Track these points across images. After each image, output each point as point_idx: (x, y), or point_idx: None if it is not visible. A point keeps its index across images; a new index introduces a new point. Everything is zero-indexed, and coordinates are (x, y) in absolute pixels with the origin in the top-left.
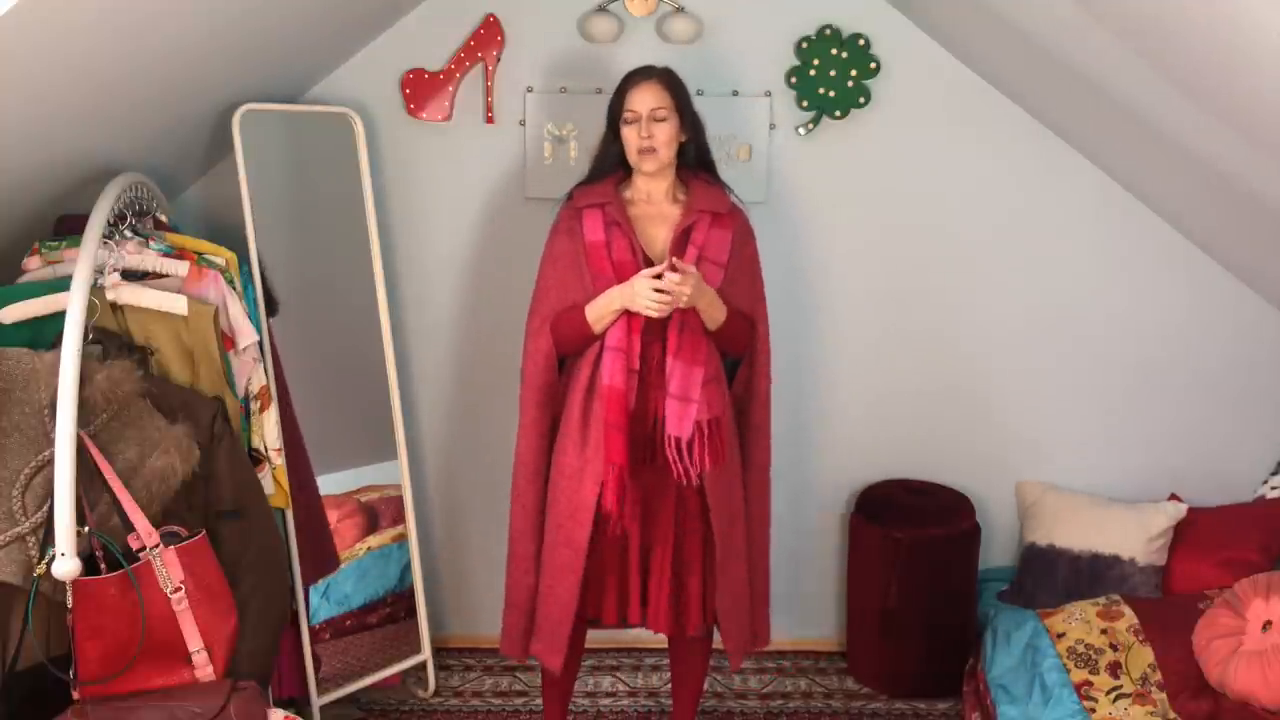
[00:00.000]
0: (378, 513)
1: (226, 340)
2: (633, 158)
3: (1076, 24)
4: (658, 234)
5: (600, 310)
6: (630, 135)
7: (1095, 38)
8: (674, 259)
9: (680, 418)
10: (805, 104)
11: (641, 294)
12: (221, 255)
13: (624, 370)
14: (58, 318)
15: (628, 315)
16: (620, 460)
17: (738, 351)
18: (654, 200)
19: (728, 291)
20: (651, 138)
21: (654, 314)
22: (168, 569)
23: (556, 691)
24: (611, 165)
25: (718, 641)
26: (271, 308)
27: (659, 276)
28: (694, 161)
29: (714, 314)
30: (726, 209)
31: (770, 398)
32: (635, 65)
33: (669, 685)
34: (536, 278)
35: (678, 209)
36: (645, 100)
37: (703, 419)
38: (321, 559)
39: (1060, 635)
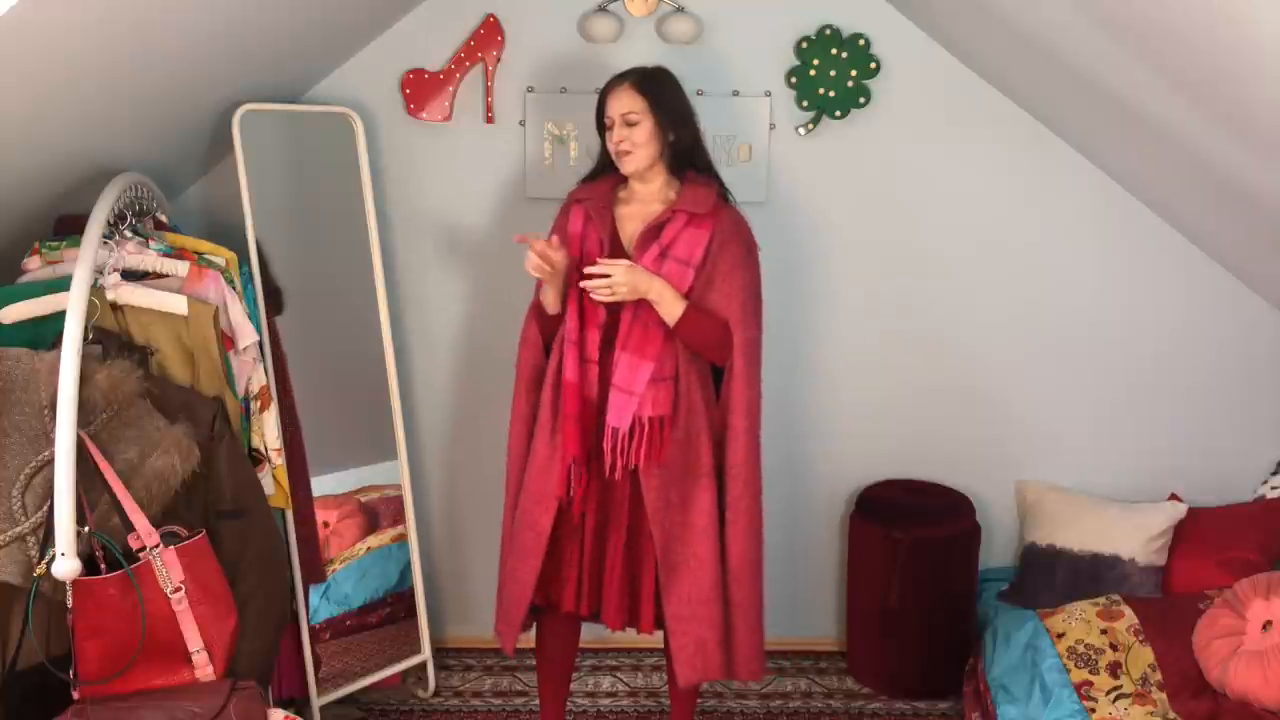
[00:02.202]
0: (378, 513)
1: (226, 340)
2: (616, 161)
3: (1077, 25)
4: (637, 231)
5: (543, 288)
6: (608, 141)
7: (1096, 39)
8: (598, 259)
9: (621, 409)
10: (805, 104)
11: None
12: (221, 255)
13: (576, 361)
14: (58, 318)
15: (578, 308)
16: (572, 450)
17: (713, 356)
18: (643, 200)
19: (705, 293)
20: (624, 141)
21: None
22: (168, 569)
23: (550, 692)
24: (605, 166)
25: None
26: (278, 304)
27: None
28: (672, 159)
29: (666, 308)
30: (708, 209)
31: (756, 408)
32: (634, 65)
33: (668, 685)
34: None
35: (664, 208)
36: (617, 105)
37: (644, 415)
38: (308, 569)
39: (1060, 635)
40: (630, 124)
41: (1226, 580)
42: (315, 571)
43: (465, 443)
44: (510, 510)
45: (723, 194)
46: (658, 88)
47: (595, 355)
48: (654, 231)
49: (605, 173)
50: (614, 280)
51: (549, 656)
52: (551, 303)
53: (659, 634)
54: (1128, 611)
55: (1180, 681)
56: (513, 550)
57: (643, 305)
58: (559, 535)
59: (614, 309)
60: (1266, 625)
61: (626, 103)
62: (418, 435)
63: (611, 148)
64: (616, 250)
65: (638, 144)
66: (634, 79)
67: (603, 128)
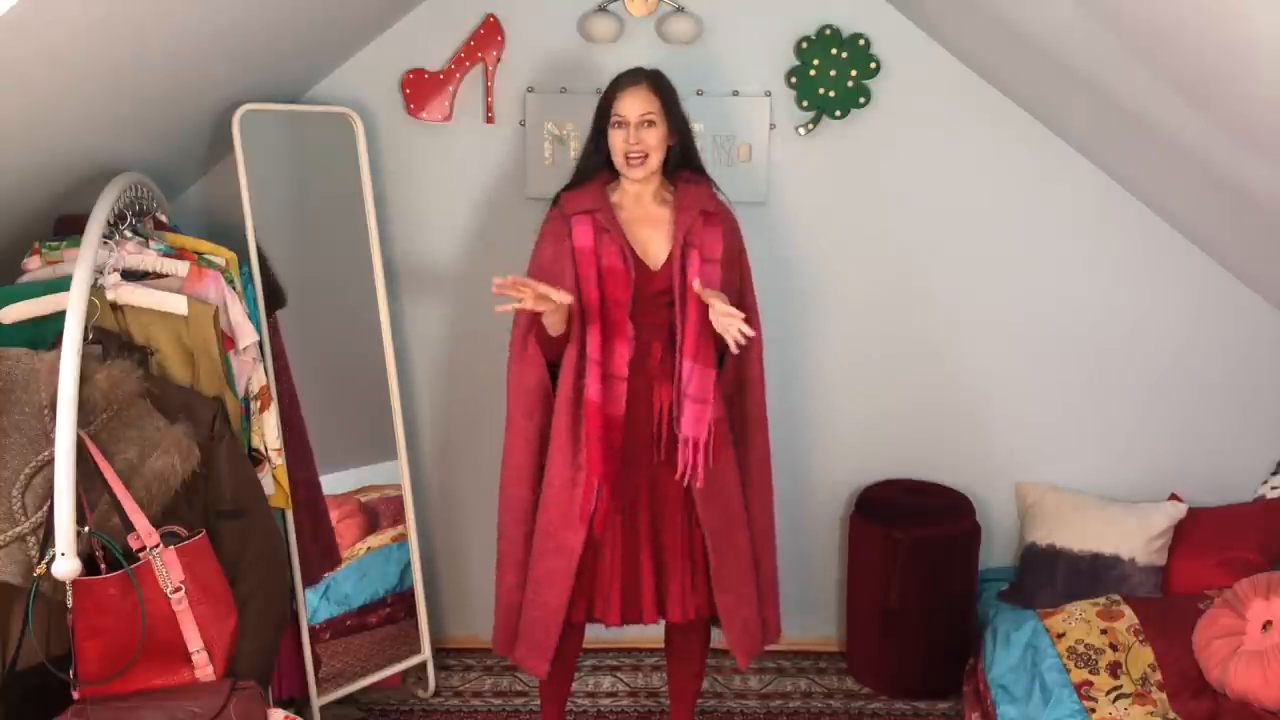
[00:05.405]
0: (378, 513)
1: (226, 340)
2: (619, 162)
3: (1076, 25)
4: (648, 237)
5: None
6: (617, 141)
7: (1095, 39)
8: (695, 287)
9: (697, 420)
10: (805, 104)
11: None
12: (221, 255)
13: (599, 380)
14: (58, 318)
15: (600, 325)
16: (598, 471)
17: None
18: (642, 202)
19: (727, 286)
20: (641, 144)
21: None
22: (168, 569)
23: (553, 692)
24: (596, 167)
25: (716, 641)
26: (279, 301)
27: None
28: (679, 161)
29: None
30: (715, 207)
31: (765, 387)
32: (635, 65)
33: (669, 684)
34: None
35: (666, 210)
36: (634, 106)
37: (712, 419)
38: (324, 556)
39: (1060, 635)
40: (647, 125)
41: (1226, 580)
42: (331, 559)
43: (465, 443)
44: (511, 528)
45: (715, 190)
46: (668, 90)
47: (624, 372)
48: (686, 240)
49: (589, 177)
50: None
51: (556, 665)
52: (557, 325)
53: (659, 633)
54: (1128, 611)
55: (1180, 681)
56: (537, 575)
57: (704, 313)
58: (588, 553)
59: (649, 319)
60: (1266, 625)
61: (644, 104)
62: (418, 435)
63: (621, 149)
64: (637, 261)
65: (652, 146)
66: (649, 80)
67: (602, 128)
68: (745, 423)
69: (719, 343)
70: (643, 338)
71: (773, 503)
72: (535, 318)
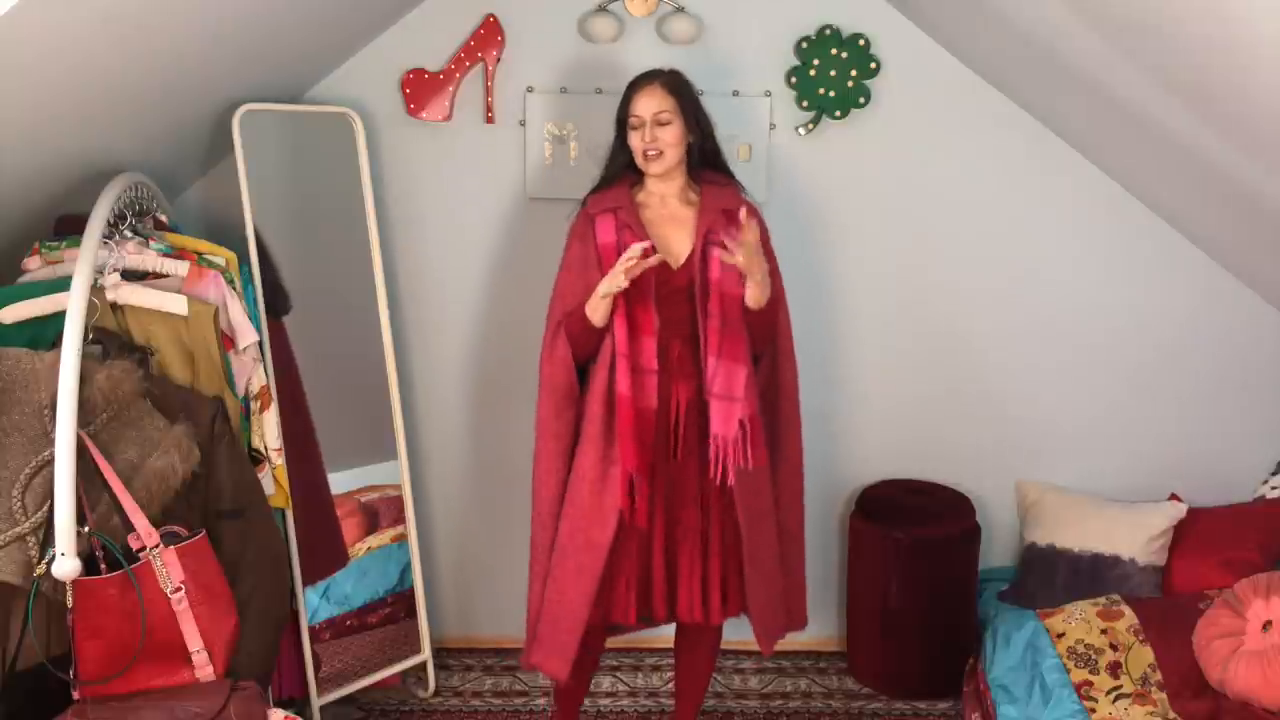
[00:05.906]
0: (378, 513)
1: (226, 340)
2: (639, 161)
3: (1076, 25)
4: (671, 235)
5: (593, 302)
6: (635, 140)
7: (1094, 39)
8: (726, 236)
9: (726, 418)
10: (805, 104)
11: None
12: (221, 255)
13: (628, 373)
14: (58, 318)
15: (626, 319)
16: (631, 465)
17: (765, 342)
18: (667, 203)
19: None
20: (656, 141)
21: (626, 274)
22: (168, 569)
23: (570, 695)
24: (621, 169)
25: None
26: (283, 305)
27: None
28: (700, 161)
29: (764, 290)
30: (737, 205)
31: (798, 386)
32: (635, 65)
33: (669, 685)
34: (553, 285)
35: (691, 210)
36: (648, 105)
37: (744, 416)
38: (331, 555)
39: (1060, 635)
40: (662, 124)
41: (1226, 580)
42: (339, 556)
43: (466, 442)
44: (542, 534)
45: (741, 191)
46: (684, 89)
47: (653, 365)
48: (708, 238)
49: (615, 180)
50: (750, 240)
51: (581, 668)
52: (603, 315)
53: (659, 633)
54: (1128, 611)
55: (1180, 681)
56: (561, 573)
57: (728, 310)
58: (614, 550)
59: (670, 315)
60: (1266, 625)
61: (658, 102)
62: (418, 435)
63: (639, 148)
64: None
65: (668, 144)
66: (663, 79)
67: (623, 129)
68: (777, 423)
69: (764, 342)
70: (662, 335)
71: (803, 499)
72: (569, 313)
